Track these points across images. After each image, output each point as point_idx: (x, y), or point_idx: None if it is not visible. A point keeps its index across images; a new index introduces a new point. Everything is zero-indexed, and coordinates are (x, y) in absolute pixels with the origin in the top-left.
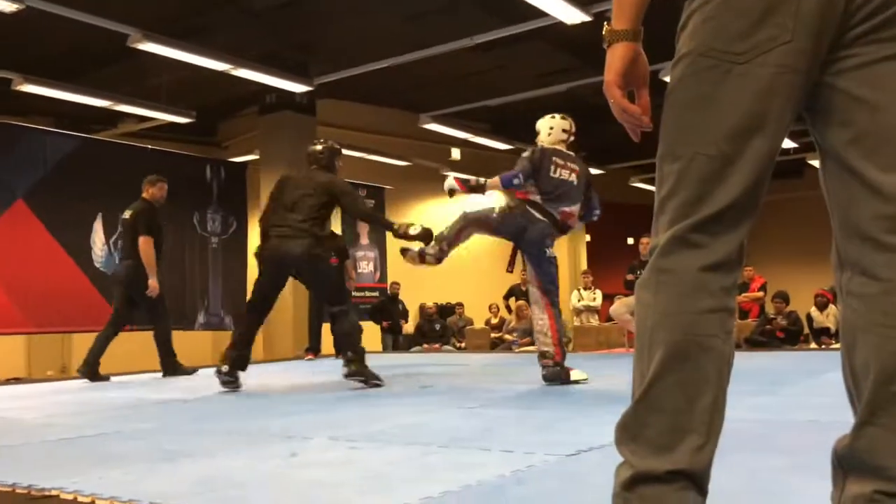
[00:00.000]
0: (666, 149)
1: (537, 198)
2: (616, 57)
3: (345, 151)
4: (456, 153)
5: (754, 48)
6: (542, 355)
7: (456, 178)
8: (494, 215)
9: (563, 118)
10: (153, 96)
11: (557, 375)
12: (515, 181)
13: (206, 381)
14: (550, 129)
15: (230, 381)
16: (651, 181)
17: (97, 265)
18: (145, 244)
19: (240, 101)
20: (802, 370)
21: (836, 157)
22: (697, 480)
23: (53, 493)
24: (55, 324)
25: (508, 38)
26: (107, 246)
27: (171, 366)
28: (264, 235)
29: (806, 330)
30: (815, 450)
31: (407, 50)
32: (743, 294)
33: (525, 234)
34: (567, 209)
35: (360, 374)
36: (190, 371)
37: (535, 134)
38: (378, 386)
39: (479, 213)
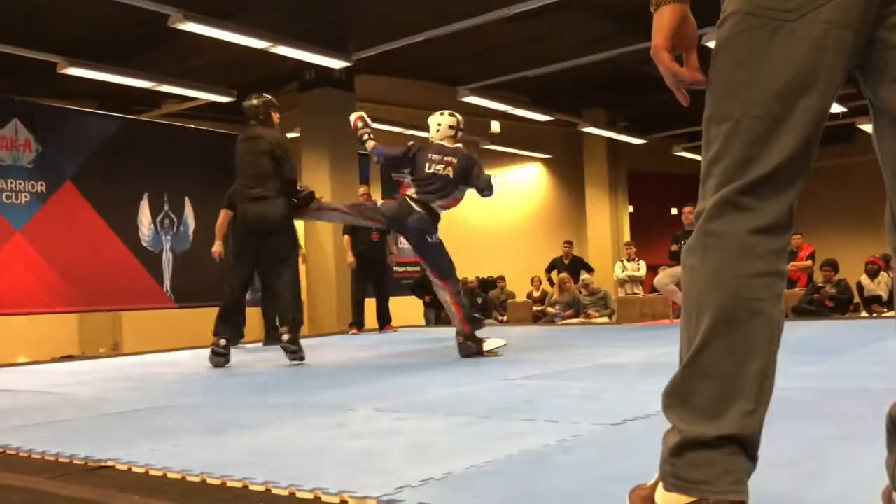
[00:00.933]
0: (713, 110)
1: (412, 191)
2: (664, 19)
3: (384, 126)
4: (496, 126)
5: (804, 5)
6: (456, 335)
7: (357, 117)
8: (379, 205)
9: (450, 115)
10: (194, 76)
11: (470, 349)
12: (375, 157)
13: (255, 355)
14: (438, 125)
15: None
16: (695, 150)
17: (144, 244)
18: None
19: (279, 79)
20: (853, 339)
21: (891, 115)
22: (747, 446)
23: (109, 464)
24: (105, 302)
25: (547, 7)
26: (153, 225)
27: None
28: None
29: (856, 298)
30: (868, 418)
31: (444, 23)
32: (791, 263)
33: (406, 223)
34: (441, 202)
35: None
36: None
37: (574, 105)
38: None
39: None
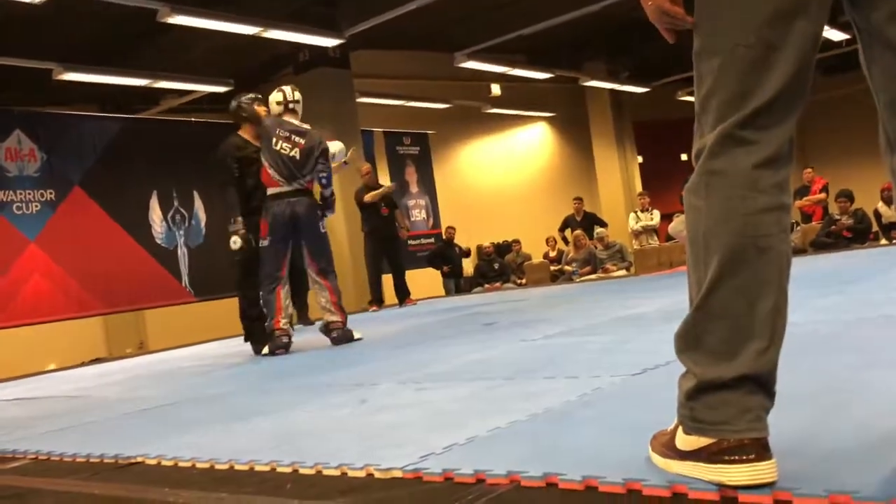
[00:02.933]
0: (702, 44)
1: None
2: None
3: (384, 101)
4: (496, 89)
5: None
6: (327, 325)
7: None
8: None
9: (277, 90)
10: (190, 69)
11: (344, 336)
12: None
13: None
14: (274, 104)
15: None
16: None
17: (158, 241)
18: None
19: (274, 64)
20: (873, 268)
21: (879, 36)
22: (763, 384)
23: (138, 459)
24: (126, 302)
25: None
26: (165, 222)
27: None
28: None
29: (875, 227)
30: (889, 344)
31: None
32: (805, 197)
33: (298, 222)
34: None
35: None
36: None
37: (573, 60)
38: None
39: None
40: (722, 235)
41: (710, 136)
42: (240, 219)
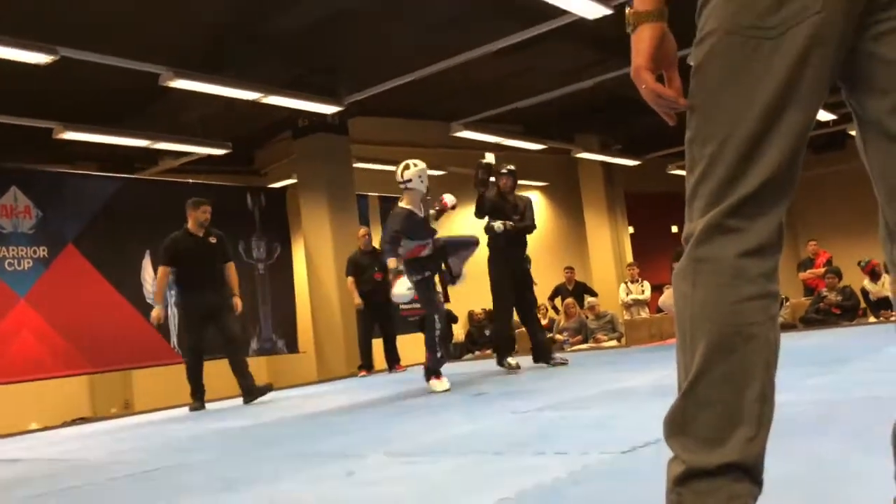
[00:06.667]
0: (695, 132)
1: None
2: (643, 39)
3: (379, 167)
4: (490, 157)
5: (784, 21)
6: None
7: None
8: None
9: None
10: (189, 131)
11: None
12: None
13: (263, 406)
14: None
15: None
16: None
17: (149, 301)
18: (159, 273)
19: (273, 128)
20: (862, 346)
21: (878, 126)
22: (751, 471)
23: None
24: (114, 362)
25: (532, 40)
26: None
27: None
28: None
29: (863, 304)
30: (877, 428)
31: (432, 61)
32: (809, 270)
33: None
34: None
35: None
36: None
37: (566, 132)
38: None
39: None
40: (708, 323)
41: (698, 221)
42: None
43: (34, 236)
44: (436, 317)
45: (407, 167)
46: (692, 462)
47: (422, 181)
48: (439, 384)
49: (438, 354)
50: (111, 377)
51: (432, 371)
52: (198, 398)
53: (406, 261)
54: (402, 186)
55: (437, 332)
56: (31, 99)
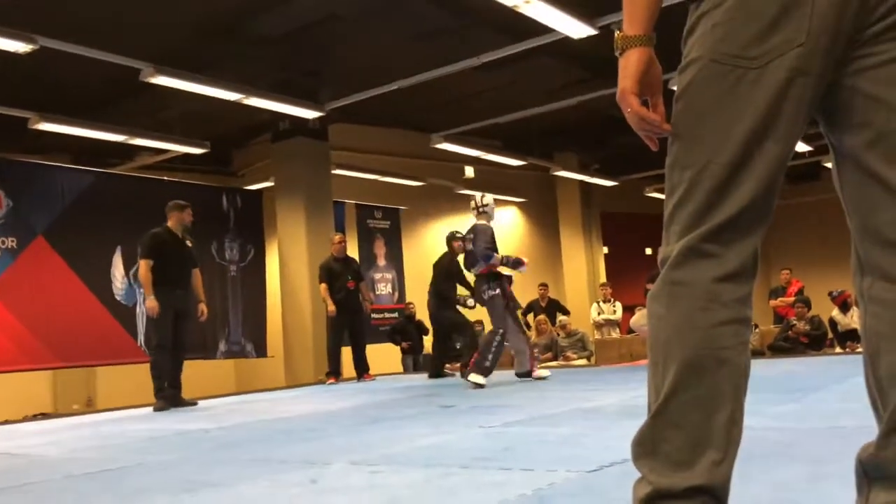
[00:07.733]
0: (676, 157)
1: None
2: (630, 63)
3: (359, 174)
4: (469, 171)
5: (768, 53)
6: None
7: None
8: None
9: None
10: (167, 129)
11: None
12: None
13: (228, 410)
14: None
15: None
16: None
17: (118, 298)
18: (141, 267)
19: (253, 130)
20: (827, 376)
21: (855, 160)
22: (717, 495)
23: None
24: (79, 358)
25: (516, 55)
26: (126, 278)
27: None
28: None
29: (830, 334)
30: (840, 457)
31: (416, 71)
32: (780, 298)
33: None
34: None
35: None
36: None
37: (545, 150)
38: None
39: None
40: (681, 346)
41: (675, 245)
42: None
43: (3, 226)
44: (501, 332)
45: (484, 195)
46: (659, 484)
47: (493, 209)
48: (479, 379)
49: (487, 363)
50: (75, 373)
51: (478, 369)
52: (166, 396)
53: (485, 273)
54: (480, 210)
55: (495, 346)
56: (8, 88)
